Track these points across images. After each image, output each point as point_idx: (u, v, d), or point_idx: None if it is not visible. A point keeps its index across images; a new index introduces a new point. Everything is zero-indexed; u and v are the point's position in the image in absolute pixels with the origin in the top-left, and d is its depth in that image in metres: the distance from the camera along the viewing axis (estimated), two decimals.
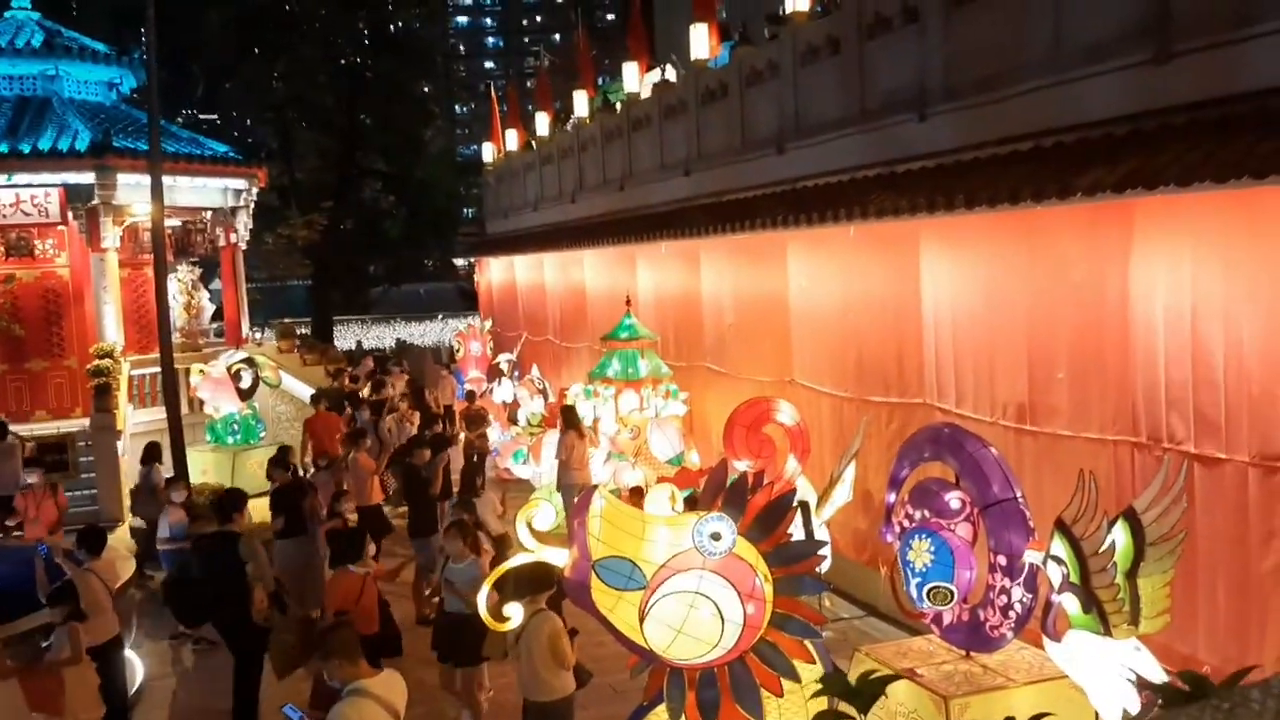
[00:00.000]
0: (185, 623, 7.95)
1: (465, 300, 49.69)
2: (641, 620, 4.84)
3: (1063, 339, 8.51)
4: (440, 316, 41.30)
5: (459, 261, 41.39)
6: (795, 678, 5.05)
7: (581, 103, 20.73)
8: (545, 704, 7.20)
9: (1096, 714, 6.39)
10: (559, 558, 4.99)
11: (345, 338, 40.73)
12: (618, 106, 19.22)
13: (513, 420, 19.59)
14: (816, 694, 5.19)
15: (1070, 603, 6.51)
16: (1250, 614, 7.00)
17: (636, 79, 17.93)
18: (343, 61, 39.75)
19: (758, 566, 4.97)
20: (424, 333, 40.34)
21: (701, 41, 15.24)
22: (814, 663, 5.15)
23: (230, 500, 9.51)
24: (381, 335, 39.38)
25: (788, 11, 12.88)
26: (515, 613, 5.33)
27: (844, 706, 5.10)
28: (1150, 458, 7.71)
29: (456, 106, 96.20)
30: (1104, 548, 6.31)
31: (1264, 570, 6.87)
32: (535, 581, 6.73)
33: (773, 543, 5.03)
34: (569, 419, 13.50)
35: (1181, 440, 7.43)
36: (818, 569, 5.15)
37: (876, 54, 11.15)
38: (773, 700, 5.08)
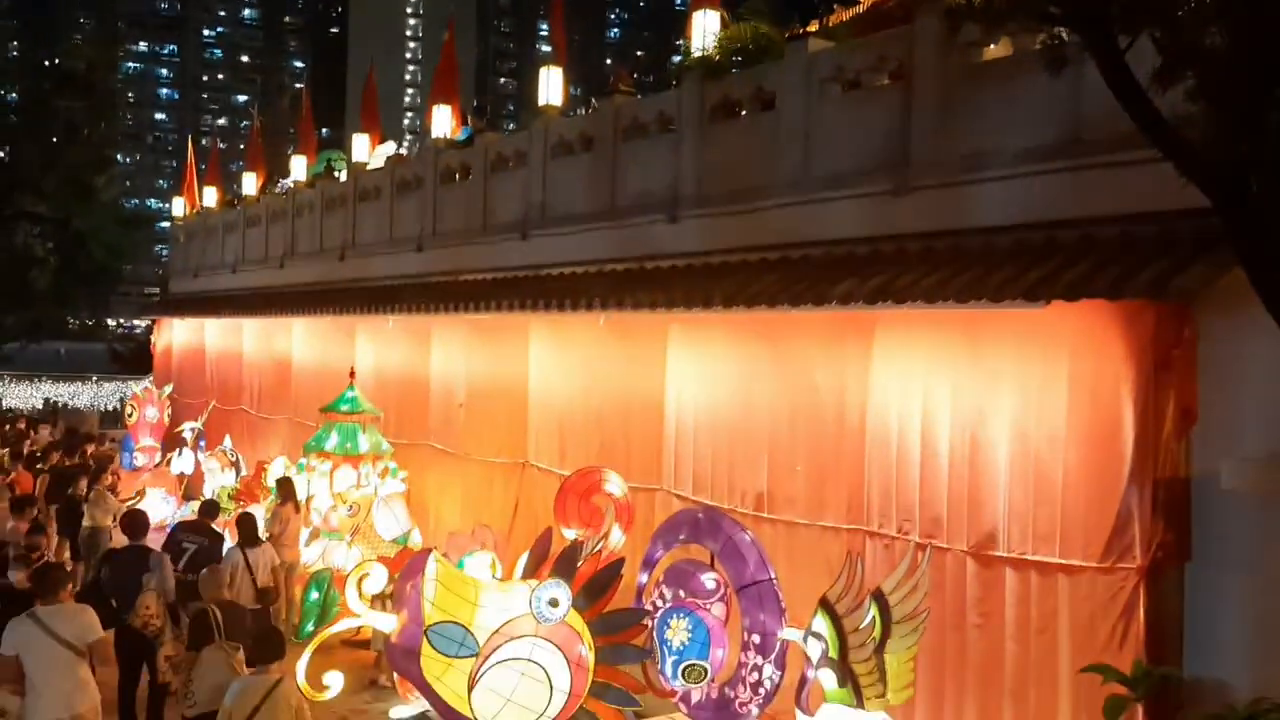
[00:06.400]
0: None
1: (119, 363, 45.79)
2: (471, 688, 4.71)
3: (801, 435, 9.20)
4: (95, 379, 37.59)
5: (110, 321, 37.80)
6: None
7: (300, 167, 20.08)
8: None
9: None
10: (385, 623, 4.76)
11: None
12: (340, 175, 18.80)
13: (188, 496, 18.20)
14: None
15: (827, 678, 7.00)
16: (971, 693, 7.77)
17: (367, 150, 17.68)
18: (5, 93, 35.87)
19: (584, 635, 5.00)
20: (74, 394, 36.44)
21: (444, 121, 15.34)
22: None
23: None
24: (24, 394, 35.21)
25: (540, 104, 13.29)
26: (335, 681, 4.98)
27: None
28: (880, 545, 8.48)
29: (120, 156, 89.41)
30: (864, 624, 6.89)
31: (980, 650, 7.68)
32: (273, 647, 6.18)
33: (597, 611, 5.08)
34: (286, 492, 12.73)
35: (909, 531, 8.24)
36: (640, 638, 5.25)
37: (630, 156, 11.74)
38: None
